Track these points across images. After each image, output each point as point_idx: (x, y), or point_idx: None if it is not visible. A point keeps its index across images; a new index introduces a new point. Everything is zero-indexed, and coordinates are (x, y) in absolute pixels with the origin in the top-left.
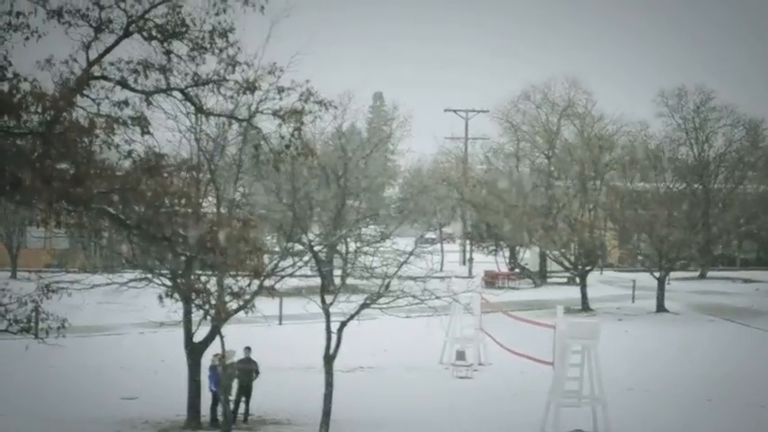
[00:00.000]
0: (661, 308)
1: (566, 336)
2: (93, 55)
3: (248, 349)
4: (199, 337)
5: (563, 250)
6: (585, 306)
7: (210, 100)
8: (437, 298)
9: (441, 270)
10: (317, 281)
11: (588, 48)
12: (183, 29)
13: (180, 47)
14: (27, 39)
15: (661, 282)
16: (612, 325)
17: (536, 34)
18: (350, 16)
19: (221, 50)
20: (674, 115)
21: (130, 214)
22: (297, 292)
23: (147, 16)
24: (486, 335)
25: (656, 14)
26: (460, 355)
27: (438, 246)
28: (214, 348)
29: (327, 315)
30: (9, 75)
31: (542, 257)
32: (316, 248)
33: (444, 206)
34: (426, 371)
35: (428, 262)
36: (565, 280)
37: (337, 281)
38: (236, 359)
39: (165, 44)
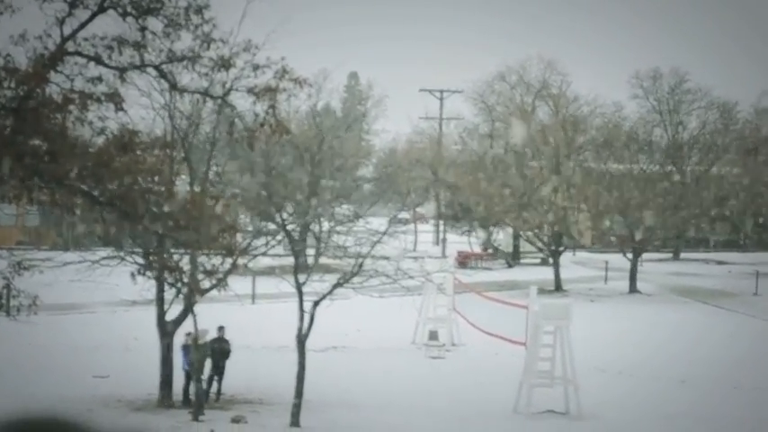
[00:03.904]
0: (634, 289)
1: (538, 316)
2: (67, 31)
3: (221, 328)
4: (171, 315)
5: (536, 231)
6: (558, 287)
7: (185, 77)
8: (410, 278)
9: (414, 250)
10: (291, 260)
11: (564, 29)
12: (158, 5)
13: (155, 23)
14: (0, 14)
15: (634, 263)
16: (585, 306)
17: (514, 18)
18: None
19: (196, 27)
20: (649, 97)
21: (103, 191)
22: (270, 271)
23: None
24: (459, 315)
25: None
26: (433, 336)
27: (411, 226)
28: (187, 327)
29: (300, 294)
30: None
31: (516, 238)
32: (289, 227)
33: (418, 186)
34: (399, 351)
35: (401, 242)
36: (538, 261)
37: (310, 260)
38: (208, 338)
39: (140, 20)
